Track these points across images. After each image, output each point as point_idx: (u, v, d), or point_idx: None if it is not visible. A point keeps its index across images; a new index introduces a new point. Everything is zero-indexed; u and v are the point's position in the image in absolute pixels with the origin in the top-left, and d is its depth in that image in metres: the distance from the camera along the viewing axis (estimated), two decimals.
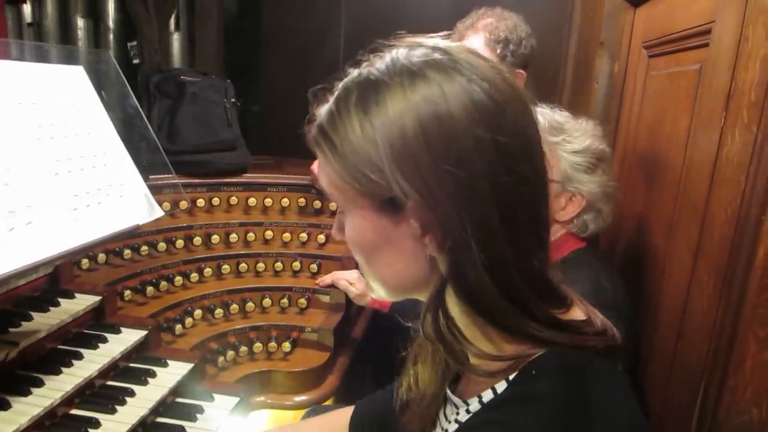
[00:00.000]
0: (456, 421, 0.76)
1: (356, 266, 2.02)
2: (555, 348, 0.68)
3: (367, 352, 2.15)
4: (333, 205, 2.24)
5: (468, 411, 0.74)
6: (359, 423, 1.17)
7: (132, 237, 1.86)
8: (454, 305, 0.70)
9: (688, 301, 1.24)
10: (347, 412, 1.20)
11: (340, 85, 0.71)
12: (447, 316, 0.70)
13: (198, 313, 1.80)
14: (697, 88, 1.31)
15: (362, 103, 0.67)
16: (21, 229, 1.14)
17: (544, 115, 1.44)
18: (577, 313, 0.74)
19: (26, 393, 1.24)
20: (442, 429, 0.81)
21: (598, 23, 2.08)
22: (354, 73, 0.71)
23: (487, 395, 0.71)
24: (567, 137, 1.42)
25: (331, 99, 0.71)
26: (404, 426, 0.91)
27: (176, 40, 3.46)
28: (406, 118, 0.64)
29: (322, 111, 0.72)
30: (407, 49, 0.69)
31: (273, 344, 1.78)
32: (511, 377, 0.69)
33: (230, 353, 1.72)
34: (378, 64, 0.69)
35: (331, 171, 0.70)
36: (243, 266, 2.03)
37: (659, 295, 1.42)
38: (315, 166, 2.21)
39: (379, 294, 0.78)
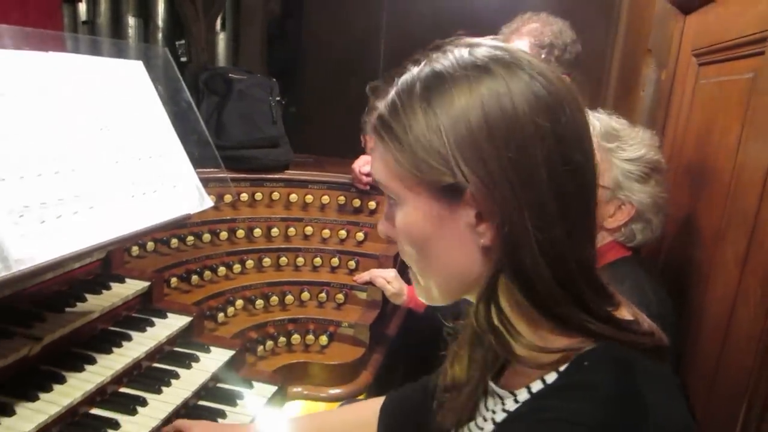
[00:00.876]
0: (503, 410, 0.77)
1: (394, 265, 2.05)
2: (606, 342, 0.69)
3: (400, 351, 2.17)
4: (372, 204, 2.28)
5: (516, 401, 0.75)
6: (390, 413, 1.18)
7: (178, 227, 1.93)
8: (504, 297, 0.72)
9: (734, 310, 1.22)
10: (377, 402, 1.21)
11: (402, 78, 0.74)
12: (499, 307, 0.72)
13: (239, 303, 1.86)
14: (749, 96, 1.29)
15: (427, 94, 0.70)
16: (84, 212, 1.20)
17: (601, 120, 1.44)
18: (625, 314, 0.75)
19: (80, 369, 1.31)
20: (484, 419, 0.82)
21: (645, 31, 2.05)
22: (416, 67, 0.74)
23: (536, 386, 0.72)
24: (622, 144, 1.41)
25: (392, 91, 0.74)
26: (440, 423, 0.91)
27: (222, 40, 3.56)
28: (471, 109, 0.67)
29: (383, 103, 0.74)
30: (469, 47, 0.72)
31: (310, 337, 1.82)
32: (561, 368, 0.70)
33: (269, 343, 1.77)
34: (442, 59, 0.72)
35: (390, 159, 0.73)
36: (283, 260, 2.08)
37: (703, 303, 1.40)
38: (356, 165, 2.24)
39: (432, 296, 0.78)
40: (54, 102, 1.24)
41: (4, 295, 1.33)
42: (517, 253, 0.68)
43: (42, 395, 1.20)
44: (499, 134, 0.66)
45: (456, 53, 0.72)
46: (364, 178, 2.23)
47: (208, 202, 1.54)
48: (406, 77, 0.74)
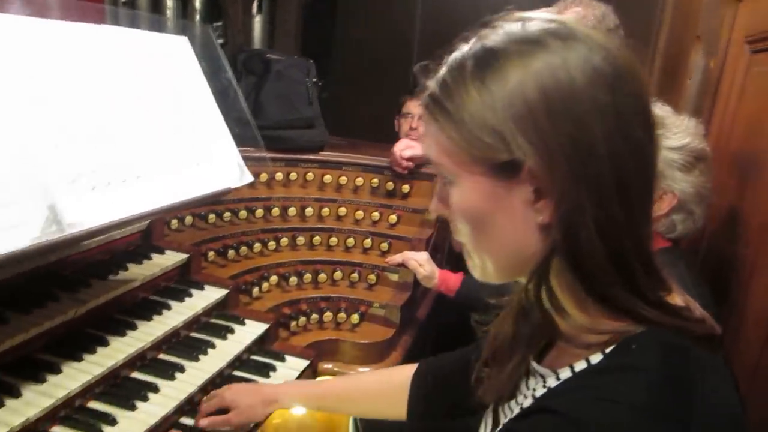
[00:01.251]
0: (544, 387, 0.77)
1: (426, 248, 2.05)
2: (655, 327, 0.68)
3: (428, 335, 2.18)
4: (406, 188, 2.28)
5: (558, 379, 0.75)
6: (423, 380, 1.18)
7: (216, 203, 1.97)
8: (555, 277, 0.71)
9: None
10: (410, 367, 1.21)
11: (452, 56, 0.73)
12: (549, 286, 0.71)
13: (273, 279, 1.88)
14: None
15: (479, 71, 0.69)
16: (132, 181, 1.23)
17: None
18: (677, 300, 0.73)
19: (122, 334, 1.35)
20: (524, 396, 0.81)
21: (693, 16, 1.99)
22: (466, 45, 0.73)
23: (580, 365, 0.71)
24: (665, 132, 1.38)
25: (443, 69, 0.73)
26: (480, 397, 0.91)
27: (257, 23, 3.58)
28: (527, 84, 0.66)
29: (434, 82, 0.74)
30: (521, 21, 0.71)
31: (342, 315, 1.84)
32: (607, 350, 0.69)
33: (302, 319, 1.79)
34: (492, 35, 0.71)
35: (444, 139, 0.72)
36: (317, 239, 2.10)
37: (745, 298, 1.37)
38: (397, 148, 2.23)
39: (486, 273, 0.78)
40: (104, 73, 1.27)
41: (52, 260, 1.38)
42: (573, 230, 0.67)
43: (86, 356, 1.25)
44: (556, 109, 0.65)
45: (507, 28, 0.70)
46: (404, 162, 2.22)
47: (248, 177, 1.56)
48: (456, 55, 0.73)
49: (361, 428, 1.40)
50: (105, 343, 1.30)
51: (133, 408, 1.21)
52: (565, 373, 0.73)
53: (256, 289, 1.81)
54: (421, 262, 1.96)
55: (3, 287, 1.24)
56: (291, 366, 1.56)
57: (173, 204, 1.31)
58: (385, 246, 2.12)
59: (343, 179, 2.26)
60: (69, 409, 1.16)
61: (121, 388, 1.27)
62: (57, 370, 1.18)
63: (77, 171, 1.12)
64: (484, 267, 0.77)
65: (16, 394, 1.10)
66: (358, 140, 2.71)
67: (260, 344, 1.59)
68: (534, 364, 0.82)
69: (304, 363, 1.57)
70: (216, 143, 1.51)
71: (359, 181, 2.26)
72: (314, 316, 1.82)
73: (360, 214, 2.19)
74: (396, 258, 2.01)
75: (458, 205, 0.74)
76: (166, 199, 1.30)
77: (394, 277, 2.03)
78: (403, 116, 2.81)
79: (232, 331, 1.56)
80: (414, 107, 2.75)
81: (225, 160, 1.52)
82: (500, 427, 0.82)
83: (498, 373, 0.88)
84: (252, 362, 1.54)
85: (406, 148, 2.22)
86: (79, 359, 1.23)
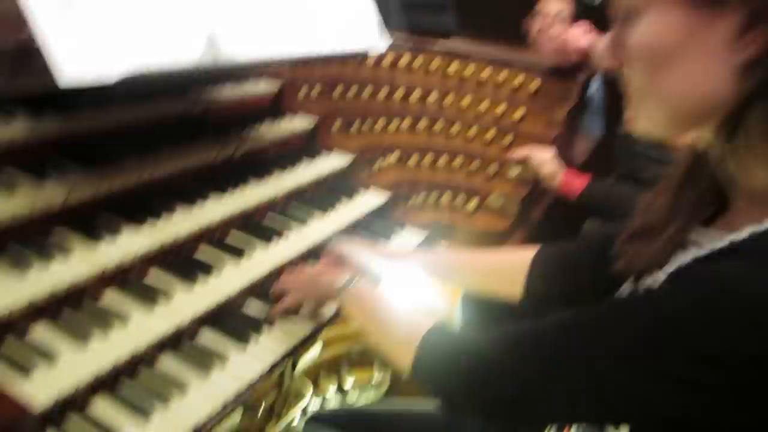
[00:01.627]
0: (712, 249, 0.71)
1: (553, 142, 1.96)
2: None
3: (540, 237, 2.13)
4: (533, 85, 2.15)
5: (731, 242, 0.67)
6: (546, 258, 1.13)
7: (341, 80, 1.97)
8: (753, 127, 0.63)
9: None
10: (529, 250, 1.17)
11: None
12: (742, 138, 0.64)
13: (394, 156, 1.90)
14: None
15: None
16: (278, 26, 1.24)
17: None
18: None
19: (261, 178, 1.42)
20: (680, 264, 0.75)
21: None
22: None
23: (763, 227, 0.64)
24: None
25: None
26: (627, 262, 0.86)
27: None
28: None
29: None
30: None
31: (459, 201, 1.83)
32: None
33: (419, 199, 1.80)
34: None
35: None
36: (438, 125, 2.07)
37: None
38: (571, 34, 2.03)
39: (655, 123, 0.71)
40: None
41: (198, 110, 1.45)
42: None
43: (231, 191, 1.33)
44: None
45: None
46: (576, 52, 2.03)
47: (386, 43, 1.53)
48: None
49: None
50: (246, 183, 1.38)
51: (268, 243, 1.29)
52: (744, 234, 0.66)
53: (377, 164, 1.83)
54: (545, 159, 1.87)
55: (159, 125, 1.33)
56: (409, 235, 1.58)
57: (316, 55, 1.32)
58: (508, 140, 2.05)
59: (469, 70, 2.17)
60: (219, 231, 1.26)
61: (260, 224, 1.36)
62: (207, 198, 1.27)
63: (231, 9, 1.14)
64: (655, 117, 0.71)
65: (169, 211, 1.19)
66: (484, 34, 2.57)
67: (381, 212, 1.63)
68: (699, 231, 0.75)
69: (422, 234, 1.59)
70: (361, 5, 1.49)
71: (486, 73, 2.16)
72: (432, 196, 1.82)
73: (484, 105, 2.12)
74: (519, 153, 1.93)
75: (640, 42, 0.67)
76: (310, 50, 1.31)
77: (514, 172, 1.97)
78: (536, 15, 2.62)
79: (356, 195, 1.60)
80: (547, 5, 2.55)
81: (367, 24, 1.49)
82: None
83: (649, 243, 0.82)
84: (373, 227, 1.58)
85: (583, 36, 2.04)
86: (223, 193, 1.31)
